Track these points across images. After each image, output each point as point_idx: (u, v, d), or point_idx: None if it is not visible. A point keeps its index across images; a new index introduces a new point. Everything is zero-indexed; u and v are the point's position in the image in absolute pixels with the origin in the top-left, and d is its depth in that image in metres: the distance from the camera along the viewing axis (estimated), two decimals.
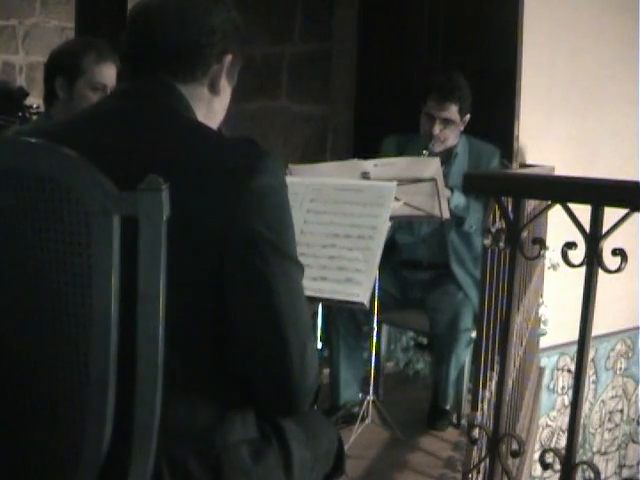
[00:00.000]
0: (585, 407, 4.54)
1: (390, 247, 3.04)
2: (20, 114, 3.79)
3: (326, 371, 3.14)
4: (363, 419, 2.89)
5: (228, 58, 1.26)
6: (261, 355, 1.16)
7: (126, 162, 1.10)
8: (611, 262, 1.44)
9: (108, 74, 2.35)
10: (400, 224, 3.06)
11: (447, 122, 3.00)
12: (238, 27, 1.30)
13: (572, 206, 1.49)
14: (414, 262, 3.19)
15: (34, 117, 3.75)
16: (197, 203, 1.09)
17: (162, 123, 1.19)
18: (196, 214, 1.09)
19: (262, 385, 1.19)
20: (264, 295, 1.12)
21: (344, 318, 3.02)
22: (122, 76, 1.30)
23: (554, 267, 3.75)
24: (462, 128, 3.08)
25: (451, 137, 3.04)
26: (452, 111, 2.99)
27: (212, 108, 1.28)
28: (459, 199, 2.89)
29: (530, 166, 3.67)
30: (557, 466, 1.57)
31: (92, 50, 2.35)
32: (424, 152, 2.93)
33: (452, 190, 2.89)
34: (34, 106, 3.90)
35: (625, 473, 4.97)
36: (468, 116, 3.05)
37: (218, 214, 1.09)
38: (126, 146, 1.14)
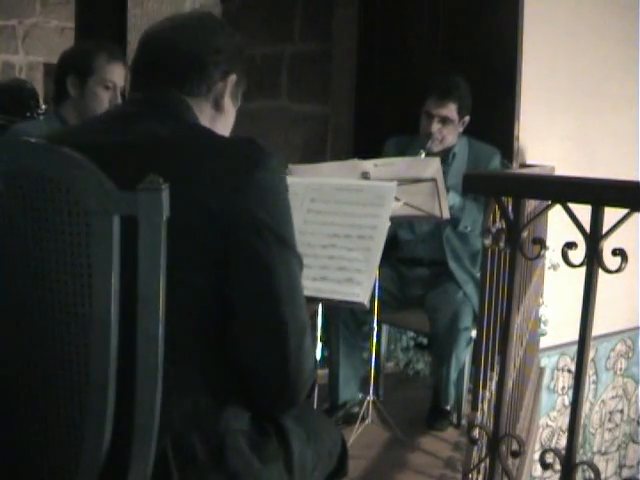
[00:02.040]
0: (585, 407, 4.54)
1: (390, 244, 3.04)
2: (28, 114, 3.82)
3: (326, 371, 3.14)
4: (363, 419, 2.89)
5: (232, 78, 1.35)
6: (259, 340, 1.19)
7: (138, 160, 1.16)
8: (611, 262, 1.44)
9: (118, 73, 2.43)
10: (401, 222, 3.06)
11: (445, 121, 3.02)
12: (242, 51, 1.39)
13: (572, 206, 1.49)
14: (413, 259, 3.19)
15: (41, 117, 3.78)
16: (203, 193, 1.14)
17: (170, 123, 1.25)
18: (202, 203, 1.13)
19: (259, 373, 1.22)
20: (265, 279, 1.16)
21: (344, 317, 3.03)
22: (132, 88, 1.37)
23: (554, 267, 3.75)
24: (461, 129, 3.09)
25: (449, 137, 3.06)
26: (450, 109, 3.01)
27: (215, 125, 1.35)
28: (454, 199, 2.90)
29: (530, 166, 3.67)
30: (557, 466, 1.57)
31: (103, 50, 2.44)
32: (421, 151, 2.94)
33: (448, 190, 2.90)
34: (42, 106, 3.93)
35: (625, 473, 4.97)
36: (467, 117, 3.06)
37: (222, 202, 1.13)
38: (139, 145, 1.20)
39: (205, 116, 1.34)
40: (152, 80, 1.31)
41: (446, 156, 3.08)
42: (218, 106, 1.35)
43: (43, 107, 4.02)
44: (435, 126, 3.01)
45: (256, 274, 1.16)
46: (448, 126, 3.03)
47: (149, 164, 1.11)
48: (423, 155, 2.93)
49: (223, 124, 1.38)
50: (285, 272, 1.17)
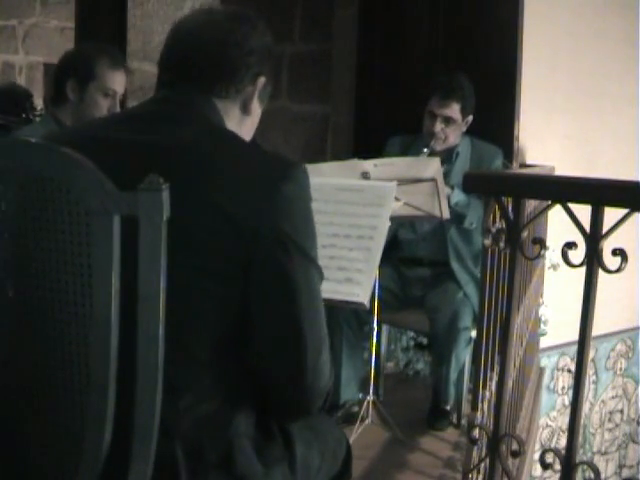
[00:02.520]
0: (585, 407, 4.54)
1: (391, 244, 3.05)
2: (24, 115, 3.81)
3: None
4: (363, 419, 2.89)
5: (262, 81, 1.32)
6: (277, 352, 1.18)
7: (163, 161, 1.14)
8: (611, 262, 1.44)
9: (119, 81, 2.38)
10: (402, 221, 3.06)
11: (448, 121, 3.03)
12: (272, 52, 1.36)
13: (572, 206, 1.49)
14: (414, 259, 3.19)
15: (37, 119, 3.76)
16: (229, 204, 1.12)
17: (193, 126, 1.23)
18: (225, 214, 1.11)
19: (275, 384, 1.22)
20: (287, 292, 1.15)
21: (347, 318, 3.03)
22: (159, 85, 1.33)
23: (554, 267, 3.74)
24: (464, 129, 3.10)
25: (452, 136, 3.06)
26: (454, 109, 3.02)
27: (242, 127, 1.33)
28: (460, 196, 2.91)
29: (530, 166, 3.67)
30: (557, 466, 1.57)
31: (105, 56, 2.37)
32: (424, 150, 2.95)
33: (453, 188, 2.90)
34: (38, 108, 3.91)
35: (625, 473, 4.97)
36: (470, 117, 3.07)
37: (247, 214, 1.12)
38: (163, 145, 1.17)
39: (232, 118, 1.31)
40: (180, 79, 1.28)
41: (449, 155, 3.09)
42: (246, 109, 1.32)
43: (38, 108, 4.02)
44: (438, 126, 3.02)
45: (278, 288, 1.15)
46: (451, 126, 3.04)
47: (166, 166, 1.09)
48: (426, 154, 2.94)
49: (249, 126, 1.36)
50: (306, 287, 1.16)
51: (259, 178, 1.15)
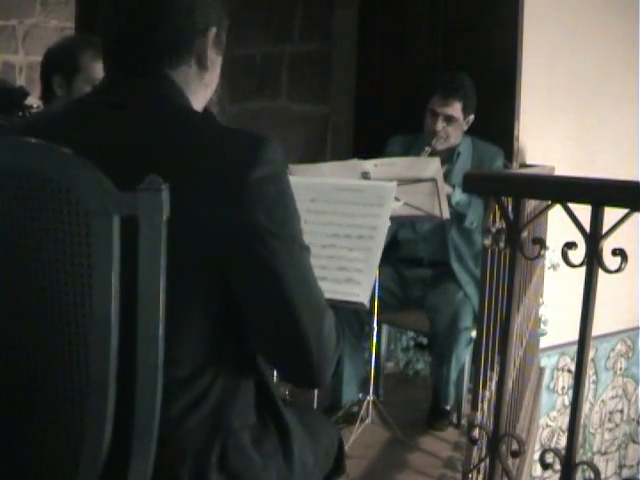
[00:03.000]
0: (585, 407, 4.54)
1: (391, 244, 3.05)
2: (20, 113, 3.78)
3: None
4: (363, 419, 2.89)
5: (212, 32, 1.23)
6: (278, 339, 1.17)
7: (124, 161, 1.09)
8: (611, 262, 1.44)
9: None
10: (402, 222, 3.06)
11: (450, 119, 3.03)
12: None
13: (572, 206, 1.49)
14: (414, 259, 3.19)
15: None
16: (197, 201, 1.09)
17: (156, 118, 1.16)
18: (197, 212, 1.08)
19: (282, 366, 1.21)
20: (273, 283, 1.13)
21: (348, 318, 3.03)
22: (105, 67, 1.24)
23: (554, 267, 3.75)
24: (465, 128, 3.10)
25: (453, 135, 3.06)
26: (455, 108, 3.02)
27: (203, 83, 1.26)
28: (461, 195, 2.91)
29: (530, 166, 3.67)
30: (557, 466, 1.57)
31: (89, 47, 2.32)
32: (426, 149, 2.96)
33: (454, 187, 2.90)
34: (34, 106, 3.89)
35: (625, 473, 4.97)
36: (472, 117, 3.07)
37: (219, 212, 1.08)
38: (122, 145, 1.12)
39: (190, 82, 1.23)
40: (127, 57, 1.20)
41: (450, 155, 3.09)
42: (202, 64, 1.23)
43: (35, 105, 4.00)
44: (440, 124, 3.02)
45: (263, 279, 1.12)
46: (453, 124, 3.04)
47: (135, 168, 1.03)
48: (428, 152, 2.94)
49: (210, 80, 1.27)
50: (291, 268, 1.13)
51: (224, 173, 1.09)
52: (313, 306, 1.17)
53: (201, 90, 1.26)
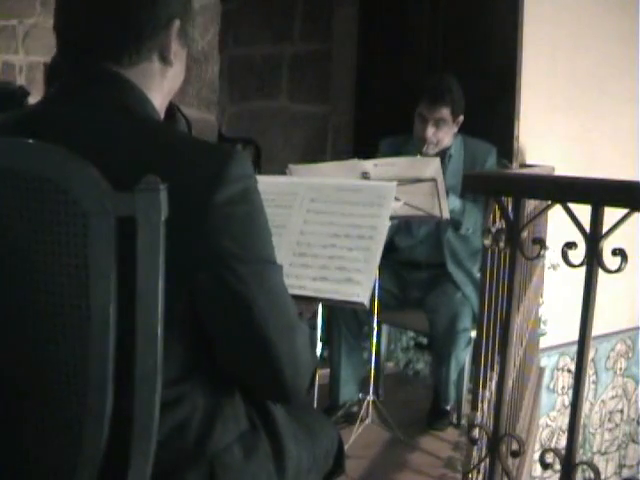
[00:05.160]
0: (585, 407, 4.54)
1: (389, 249, 3.05)
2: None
3: (326, 371, 3.14)
4: (363, 419, 2.89)
5: (175, 24, 1.15)
6: (249, 362, 1.15)
7: None
8: (611, 262, 1.43)
9: None
10: (398, 227, 3.06)
11: (440, 123, 3.00)
12: None
13: (572, 206, 1.49)
14: (412, 262, 3.19)
15: None
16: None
17: (112, 134, 1.08)
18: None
19: (256, 385, 1.20)
20: (244, 314, 1.09)
21: (346, 317, 3.03)
22: (62, 68, 1.17)
23: (554, 267, 3.75)
24: (456, 129, 3.07)
25: (445, 138, 3.04)
26: (444, 113, 2.99)
27: (167, 79, 1.18)
28: (454, 203, 2.88)
29: (530, 166, 3.67)
30: (557, 466, 1.57)
31: None
32: (418, 156, 2.93)
33: (447, 193, 2.89)
34: None
35: (625, 473, 4.97)
36: (461, 117, 3.05)
37: (185, 242, 1.03)
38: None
39: (152, 80, 1.16)
40: (83, 57, 1.13)
41: (442, 158, 3.07)
42: (166, 60, 1.16)
43: None
44: (430, 130, 2.99)
45: (234, 312, 1.08)
46: (443, 127, 3.01)
47: None
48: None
49: (174, 74, 1.20)
50: (263, 298, 1.08)
51: (188, 196, 1.02)
52: (284, 327, 1.13)
53: (166, 85, 1.19)
